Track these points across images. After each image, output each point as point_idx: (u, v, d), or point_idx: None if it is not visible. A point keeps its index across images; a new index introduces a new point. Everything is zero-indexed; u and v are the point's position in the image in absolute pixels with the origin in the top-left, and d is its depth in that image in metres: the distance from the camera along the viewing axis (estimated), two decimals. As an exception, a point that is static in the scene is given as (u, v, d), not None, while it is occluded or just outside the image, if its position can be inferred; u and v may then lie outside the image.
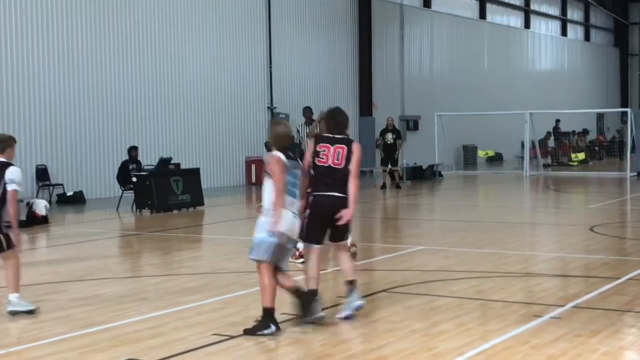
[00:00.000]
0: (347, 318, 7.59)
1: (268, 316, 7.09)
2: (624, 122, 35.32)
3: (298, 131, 16.86)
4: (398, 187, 23.78)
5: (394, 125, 24.76)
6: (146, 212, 18.12)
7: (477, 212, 18.57)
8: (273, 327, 7.05)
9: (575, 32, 48.42)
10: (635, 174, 27.22)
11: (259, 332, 7.02)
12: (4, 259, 8.25)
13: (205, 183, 20.56)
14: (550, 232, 14.74)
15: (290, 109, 26.60)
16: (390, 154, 23.89)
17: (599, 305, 8.18)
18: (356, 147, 7.73)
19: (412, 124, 32.89)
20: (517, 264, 10.82)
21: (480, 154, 36.98)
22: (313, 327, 7.38)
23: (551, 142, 35.45)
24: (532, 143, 30.37)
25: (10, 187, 8.09)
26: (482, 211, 19.00)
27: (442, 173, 28.89)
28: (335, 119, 7.87)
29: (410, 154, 28.55)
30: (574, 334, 7.00)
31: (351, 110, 30.22)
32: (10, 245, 8.17)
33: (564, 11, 46.72)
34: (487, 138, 36.94)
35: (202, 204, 19.00)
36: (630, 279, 9.57)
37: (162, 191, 18.33)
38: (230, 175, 24.73)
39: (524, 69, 42.28)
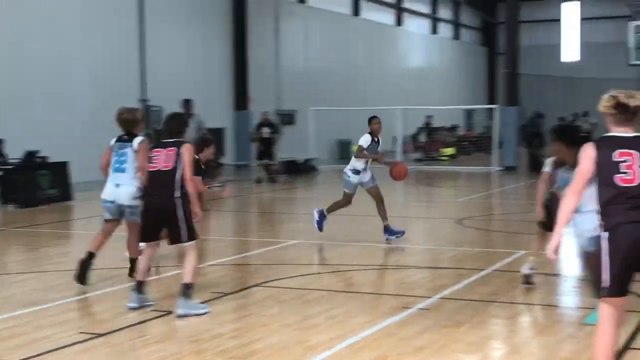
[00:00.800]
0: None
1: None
2: (490, 118, 36.51)
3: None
4: (274, 181, 23.82)
5: (269, 119, 24.77)
6: (12, 207, 17.47)
7: (351, 206, 18.78)
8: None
9: (445, 31, 49.70)
10: (502, 168, 28.18)
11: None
12: None
13: (76, 177, 19.99)
14: (420, 225, 15.07)
15: (164, 101, 26.18)
16: (266, 148, 23.90)
17: (466, 296, 8.41)
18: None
19: (288, 118, 32.99)
20: (389, 256, 11.02)
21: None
22: (185, 322, 7.30)
23: (422, 137, 36.31)
24: (404, 138, 31.00)
25: None
26: (356, 205, 19.21)
27: (318, 167, 29.12)
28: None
29: (286, 148, 28.63)
30: (441, 325, 7.18)
31: (227, 104, 30.05)
32: None
33: (434, 9, 47.87)
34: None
35: (70, 198, 18.48)
36: (495, 270, 9.89)
37: (28, 185, 17.72)
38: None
39: (397, 66, 43.07)
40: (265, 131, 24.00)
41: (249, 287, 8.93)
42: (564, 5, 40.42)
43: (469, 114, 49.06)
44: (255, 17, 31.22)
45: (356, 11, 39.46)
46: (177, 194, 7.69)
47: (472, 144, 41.55)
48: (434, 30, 48.13)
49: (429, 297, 8.28)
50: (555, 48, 42.91)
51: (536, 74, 45.17)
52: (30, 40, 22.31)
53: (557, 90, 48.42)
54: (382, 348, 6.51)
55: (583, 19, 43.00)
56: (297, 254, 11.38)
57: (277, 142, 24.42)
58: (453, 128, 40.94)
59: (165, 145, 7.89)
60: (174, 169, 7.70)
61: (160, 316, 7.55)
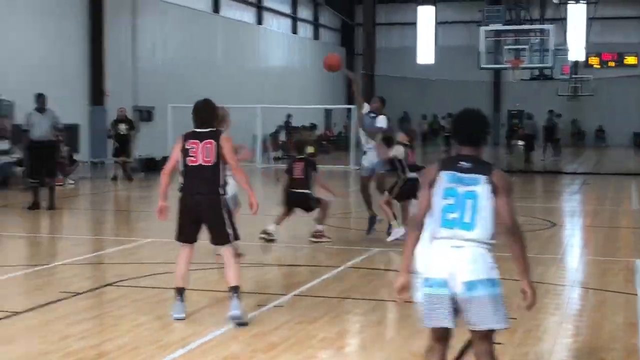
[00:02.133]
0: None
1: None
2: (349, 118, 37.15)
3: (29, 118, 16.12)
4: (130, 179, 23.37)
5: (126, 116, 24.30)
6: None
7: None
8: None
9: (305, 31, 50.12)
10: (359, 168, 28.66)
11: None
12: None
13: None
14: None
15: (16, 95, 25.24)
16: (123, 144, 23.44)
17: (321, 293, 8.53)
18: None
19: (146, 114, 32.44)
20: (249, 254, 11.02)
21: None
22: (34, 322, 7.07)
23: (282, 136, 36.53)
24: (264, 137, 31.08)
25: None
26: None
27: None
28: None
29: (143, 146, 28.15)
30: (295, 321, 7.25)
31: (82, 100, 29.25)
32: None
33: (295, 10, 48.20)
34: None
35: None
36: (349, 267, 10.07)
37: None
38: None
39: (258, 65, 43.09)
40: (122, 127, 23.54)
41: (102, 287, 8.74)
42: (419, 8, 41.46)
43: (328, 113, 49.69)
44: (113, 11, 30.53)
45: (216, 8, 39.25)
46: (221, 190, 7.35)
47: (331, 143, 42.10)
48: (295, 30, 48.47)
49: (284, 294, 8.34)
50: (411, 50, 43.97)
51: (392, 75, 46.23)
52: None
53: (412, 92, 49.73)
54: (235, 345, 6.51)
55: (438, 23, 44.27)
56: (152, 253, 11.23)
57: (134, 138, 23.98)
58: (313, 127, 41.37)
59: (201, 137, 7.45)
60: (217, 164, 7.32)
61: (7, 317, 7.27)
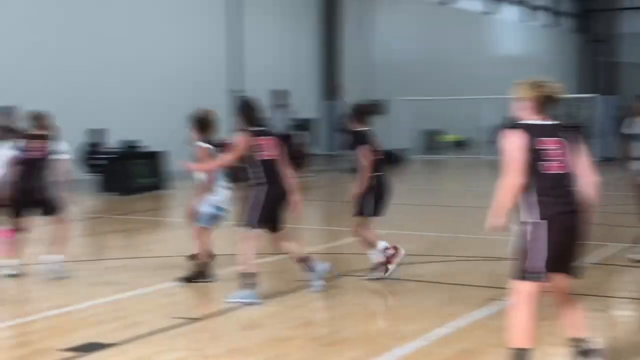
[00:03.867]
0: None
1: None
2: (591, 108, 35.58)
3: (268, 113, 16.88)
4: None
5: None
6: (110, 195, 18.01)
7: (439, 196, 18.69)
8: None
9: (540, 18, 48.68)
10: (601, 159, 27.45)
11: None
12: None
13: (173, 166, 20.42)
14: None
15: (253, 92, 26.45)
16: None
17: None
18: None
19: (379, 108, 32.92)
20: (480, 248, 10.89)
21: (449, 138, 37.14)
22: (278, 308, 7.41)
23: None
24: (494, 128, 30.49)
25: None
26: (445, 195, 19.12)
27: (408, 157, 28.99)
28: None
29: (384, 139, 28.59)
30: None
31: (317, 94, 30.15)
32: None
33: (530, -4, 47.00)
34: (454, 123, 37.09)
35: (166, 187, 18.92)
36: (592, 263, 9.68)
37: (126, 174, 18.25)
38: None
39: (490, 55, 42.42)
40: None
41: (338, 277, 8.97)
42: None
43: (567, 103, 47.92)
44: (347, 6, 31.21)
45: (447, -1, 39.07)
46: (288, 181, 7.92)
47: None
48: (528, 18, 47.22)
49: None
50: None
51: (636, 62, 43.80)
52: (127, 35, 22.89)
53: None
54: (471, 340, 6.47)
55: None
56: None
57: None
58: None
59: (269, 135, 7.96)
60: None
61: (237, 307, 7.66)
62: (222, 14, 25.93)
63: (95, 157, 19.31)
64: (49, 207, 8.91)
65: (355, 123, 8.90)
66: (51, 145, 8.93)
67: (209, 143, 8.56)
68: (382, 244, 8.70)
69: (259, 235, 7.86)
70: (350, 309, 7.48)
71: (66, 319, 7.19)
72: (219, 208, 8.63)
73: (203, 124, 8.62)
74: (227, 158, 7.90)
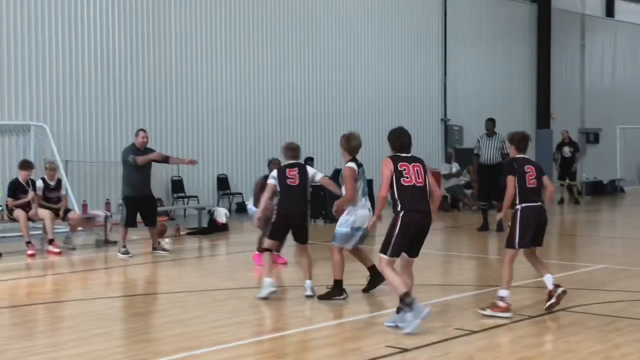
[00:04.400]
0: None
1: (338, 285, 9.17)
2: None
3: (478, 141, 16.74)
4: (576, 202, 23.04)
5: (570, 138, 24.03)
6: (319, 222, 18.45)
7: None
8: (344, 294, 9.19)
9: None
10: None
11: (334, 298, 9.11)
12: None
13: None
14: None
15: (465, 121, 26.37)
16: (567, 167, 23.22)
17: None
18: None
19: (592, 137, 31.77)
20: None
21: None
22: (488, 342, 7.28)
23: None
24: None
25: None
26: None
27: (624, 188, 27.71)
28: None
29: (589, 168, 27.63)
30: None
31: (528, 122, 29.54)
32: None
33: None
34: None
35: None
36: None
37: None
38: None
39: None
40: (567, 150, 23.32)
41: (554, 312, 8.70)
42: None
43: None
44: (560, 33, 30.47)
45: (669, 23, 37.13)
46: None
47: None
48: None
49: None
50: None
51: None
52: (345, 63, 23.46)
53: None
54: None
55: None
56: (603, 279, 10.91)
57: (578, 161, 23.61)
58: None
59: (410, 161, 8.07)
60: (426, 185, 8.01)
61: (463, 335, 7.58)
62: (439, 45, 26.06)
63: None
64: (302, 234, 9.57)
65: (512, 151, 8.74)
66: (305, 172, 9.55)
67: (356, 163, 9.13)
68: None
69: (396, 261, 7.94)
70: (566, 345, 7.22)
71: (281, 343, 7.42)
72: (354, 228, 9.12)
73: (348, 146, 9.20)
74: (383, 191, 7.96)
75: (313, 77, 22.79)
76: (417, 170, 7.99)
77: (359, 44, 23.93)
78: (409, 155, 8.17)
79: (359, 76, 23.91)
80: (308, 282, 9.36)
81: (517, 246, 8.43)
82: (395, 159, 8.03)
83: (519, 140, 8.69)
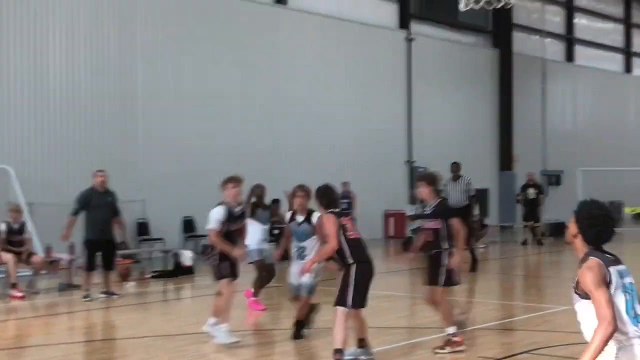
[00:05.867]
0: None
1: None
2: None
3: (445, 185, 16.94)
4: (540, 243, 23.25)
5: (535, 180, 24.33)
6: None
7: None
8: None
9: None
10: None
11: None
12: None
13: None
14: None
15: (430, 162, 26.59)
16: (531, 209, 23.46)
17: None
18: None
19: (554, 179, 32.18)
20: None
21: (627, 210, 35.73)
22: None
23: None
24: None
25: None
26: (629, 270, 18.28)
27: (586, 230, 28.02)
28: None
29: (552, 210, 27.90)
30: None
31: (492, 164, 29.89)
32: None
33: None
34: (634, 194, 35.66)
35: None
36: None
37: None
38: (368, 228, 24.82)
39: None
40: (531, 192, 23.59)
41: (517, 354, 8.77)
42: None
43: None
44: (522, 77, 30.99)
45: (628, 68, 37.95)
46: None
47: None
48: None
49: None
50: None
51: None
52: (311, 107, 23.61)
53: None
54: None
55: None
56: (567, 321, 11.01)
57: (543, 203, 23.89)
58: None
59: (344, 215, 8.33)
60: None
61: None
62: (403, 89, 26.38)
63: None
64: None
65: (430, 193, 8.85)
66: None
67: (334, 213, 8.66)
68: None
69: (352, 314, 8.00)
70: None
71: None
72: (313, 277, 9.32)
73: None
74: (332, 244, 7.93)
75: (279, 119, 22.92)
76: (352, 224, 8.13)
77: (324, 86, 24.14)
78: (341, 210, 8.33)
79: (324, 118, 24.07)
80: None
81: (455, 283, 8.75)
82: (336, 215, 8.07)
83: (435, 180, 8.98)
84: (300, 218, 9.45)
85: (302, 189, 9.46)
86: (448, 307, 8.68)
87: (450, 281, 8.60)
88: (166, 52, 20.53)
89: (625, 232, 30.21)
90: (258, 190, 12.28)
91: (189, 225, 20.83)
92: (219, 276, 9.18)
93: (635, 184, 35.23)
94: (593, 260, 4.36)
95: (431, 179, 8.86)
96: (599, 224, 4.47)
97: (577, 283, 4.41)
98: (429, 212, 8.72)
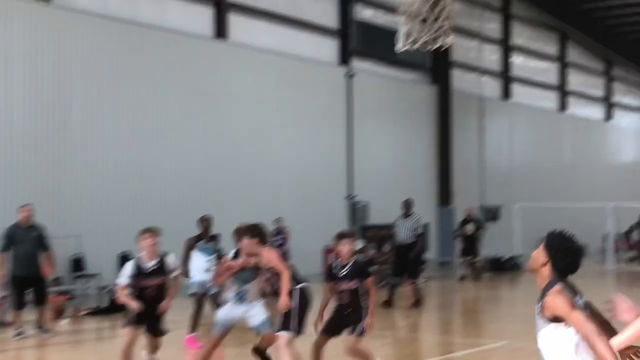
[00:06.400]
0: None
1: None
2: None
3: (396, 221, 17.12)
4: (477, 278, 23.43)
5: (473, 216, 24.58)
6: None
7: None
8: None
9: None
10: None
11: None
12: None
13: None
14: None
15: (370, 197, 26.70)
16: (470, 244, 23.66)
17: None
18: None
19: (492, 214, 32.57)
20: None
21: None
22: None
23: (636, 235, 34.56)
24: (616, 236, 29.69)
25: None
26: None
27: (523, 265, 28.37)
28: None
29: (490, 245, 28.19)
30: None
31: (431, 200, 30.11)
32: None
33: (647, 102, 46.20)
34: (569, 230, 36.23)
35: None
36: None
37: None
38: (308, 263, 24.69)
39: (606, 161, 41.69)
40: (469, 227, 23.80)
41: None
42: None
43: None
44: (460, 113, 31.41)
45: (563, 106, 38.79)
46: None
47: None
48: (645, 124, 46.34)
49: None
50: None
51: None
52: (249, 141, 23.51)
53: None
54: None
55: None
56: (504, 357, 11.07)
57: (482, 238, 24.13)
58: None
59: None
60: None
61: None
62: (343, 124, 26.48)
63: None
64: None
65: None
66: None
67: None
68: None
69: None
70: None
71: None
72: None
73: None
74: (285, 272, 8.26)
75: (218, 153, 22.72)
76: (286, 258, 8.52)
77: (264, 120, 24.08)
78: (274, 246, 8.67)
79: (264, 153, 23.98)
80: None
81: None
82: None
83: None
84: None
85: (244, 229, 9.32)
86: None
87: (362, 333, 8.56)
88: (104, 84, 20.27)
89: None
90: (205, 222, 12.50)
91: (125, 261, 20.41)
92: (125, 322, 9.14)
93: (571, 220, 35.82)
94: (560, 286, 4.53)
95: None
96: (570, 255, 4.67)
97: (543, 308, 4.44)
98: (345, 273, 8.63)
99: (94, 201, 19.81)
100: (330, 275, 8.63)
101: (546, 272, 4.65)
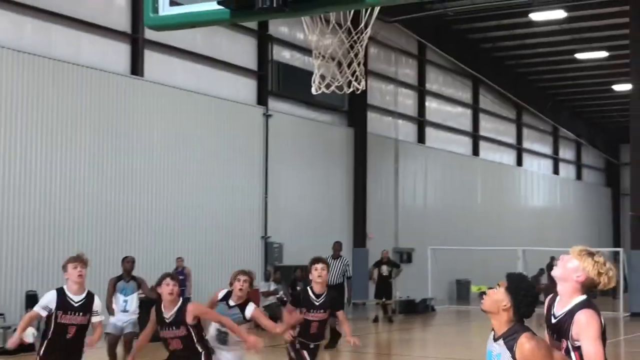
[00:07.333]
0: None
1: None
2: (616, 261, 35.36)
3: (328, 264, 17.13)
4: (390, 320, 23.53)
5: (389, 258, 24.75)
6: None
7: (472, 350, 18.28)
8: None
9: (567, 171, 49.11)
10: (629, 314, 27.01)
11: None
12: None
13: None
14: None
15: (285, 238, 26.62)
16: (384, 286, 23.78)
17: None
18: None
19: (406, 256, 32.86)
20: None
21: (474, 289, 36.75)
22: None
23: (544, 279, 35.34)
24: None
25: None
26: (477, 348, 18.69)
27: (435, 307, 28.64)
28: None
29: (403, 287, 28.39)
30: None
31: (346, 241, 30.21)
32: None
33: (555, 150, 47.54)
34: (481, 273, 36.84)
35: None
36: None
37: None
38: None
39: (517, 205, 42.63)
40: (384, 269, 23.95)
41: None
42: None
43: (593, 255, 47.60)
44: (375, 156, 31.73)
45: (476, 151, 39.60)
46: None
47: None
48: (556, 171, 47.66)
49: None
50: None
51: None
52: (164, 181, 23.22)
53: None
54: None
55: None
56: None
57: (396, 279, 24.31)
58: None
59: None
60: None
61: None
62: (260, 165, 26.41)
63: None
64: None
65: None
66: None
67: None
68: None
69: None
70: None
71: None
72: None
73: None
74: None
75: (129, 192, 22.35)
76: None
77: (179, 159, 23.84)
78: None
79: (179, 192, 23.71)
80: None
81: None
82: None
83: None
84: (232, 302, 8.79)
85: (247, 274, 8.87)
86: None
87: None
88: (13, 118, 19.80)
89: (472, 310, 31.09)
90: (127, 264, 12.76)
91: (32, 300, 19.82)
92: None
93: (482, 263, 36.43)
94: (529, 332, 4.58)
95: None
96: (533, 300, 4.69)
97: (515, 353, 4.50)
98: (320, 303, 8.86)
99: None
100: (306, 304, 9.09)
101: (506, 315, 4.62)
